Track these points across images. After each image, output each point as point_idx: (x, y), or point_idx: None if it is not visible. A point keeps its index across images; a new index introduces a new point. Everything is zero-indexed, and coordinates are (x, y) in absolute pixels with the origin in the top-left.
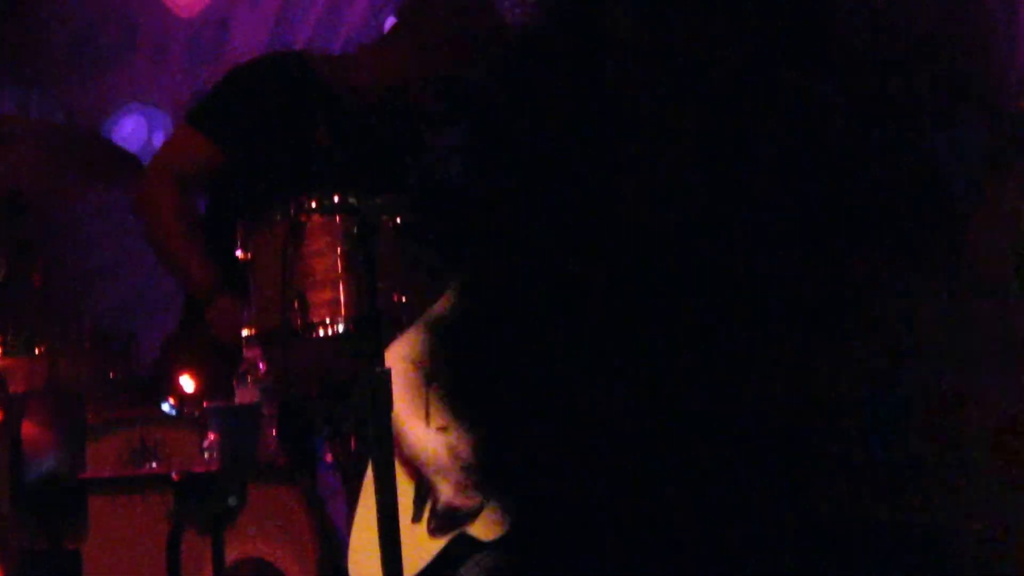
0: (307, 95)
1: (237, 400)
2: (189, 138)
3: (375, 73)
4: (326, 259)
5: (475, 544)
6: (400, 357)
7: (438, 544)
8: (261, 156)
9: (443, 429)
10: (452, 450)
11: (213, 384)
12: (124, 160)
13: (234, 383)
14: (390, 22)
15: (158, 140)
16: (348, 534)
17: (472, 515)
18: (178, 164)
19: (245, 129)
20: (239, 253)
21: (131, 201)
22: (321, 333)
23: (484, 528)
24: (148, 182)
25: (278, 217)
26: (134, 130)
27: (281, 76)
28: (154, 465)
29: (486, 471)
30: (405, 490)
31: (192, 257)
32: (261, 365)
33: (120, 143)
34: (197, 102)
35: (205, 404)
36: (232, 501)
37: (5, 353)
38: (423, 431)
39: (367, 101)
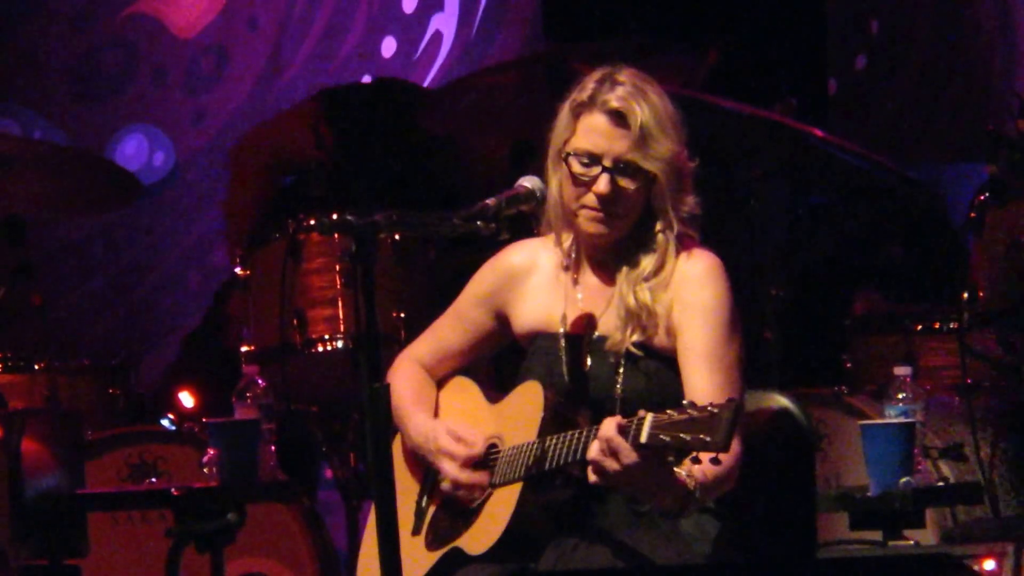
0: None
1: (236, 416)
2: (308, 118)
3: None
4: (324, 277)
5: (466, 558)
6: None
7: (433, 557)
8: (357, 165)
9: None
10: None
11: (214, 399)
12: (124, 181)
13: (233, 399)
14: (387, 43)
15: (158, 160)
16: (347, 550)
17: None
18: (286, 136)
19: (361, 136)
20: (238, 270)
21: (232, 147)
22: (320, 349)
23: (474, 542)
24: (250, 140)
25: (277, 236)
26: (136, 150)
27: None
28: (153, 481)
29: None
30: (406, 504)
31: (232, 236)
32: (260, 381)
33: (122, 163)
34: (333, 88)
35: (205, 420)
36: (231, 517)
37: (5, 370)
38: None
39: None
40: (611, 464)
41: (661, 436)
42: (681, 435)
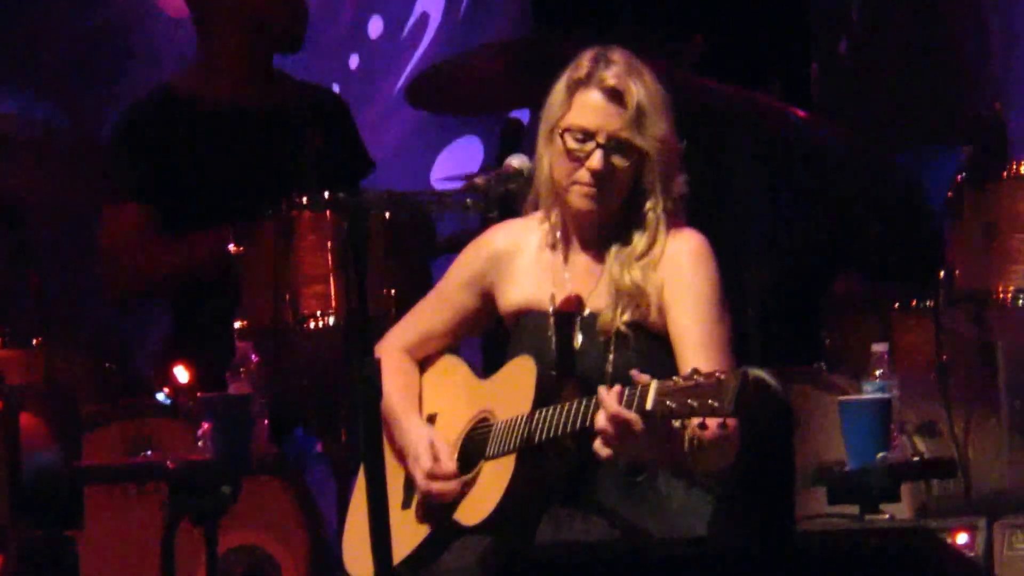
0: (184, 117)
1: (230, 391)
2: (116, 213)
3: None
4: (316, 254)
5: (460, 529)
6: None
7: (426, 529)
8: (181, 189)
9: (431, 418)
10: (429, 441)
11: (207, 376)
12: None
13: (227, 375)
14: (374, 23)
15: None
16: (338, 523)
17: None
18: (121, 242)
19: (156, 175)
20: (231, 247)
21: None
22: (312, 326)
23: (468, 514)
24: (105, 274)
25: (269, 214)
26: None
27: (151, 116)
28: (148, 455)
29: None
30: (395, 478)
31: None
32: (254, 357)
33: None
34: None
35: (199, 395)
36: (226, 490)
37: (3, 346)
38: (415, 420)
39: (234, 101)
40: (619, 433)
41: (667, 403)
42: (688, 401)
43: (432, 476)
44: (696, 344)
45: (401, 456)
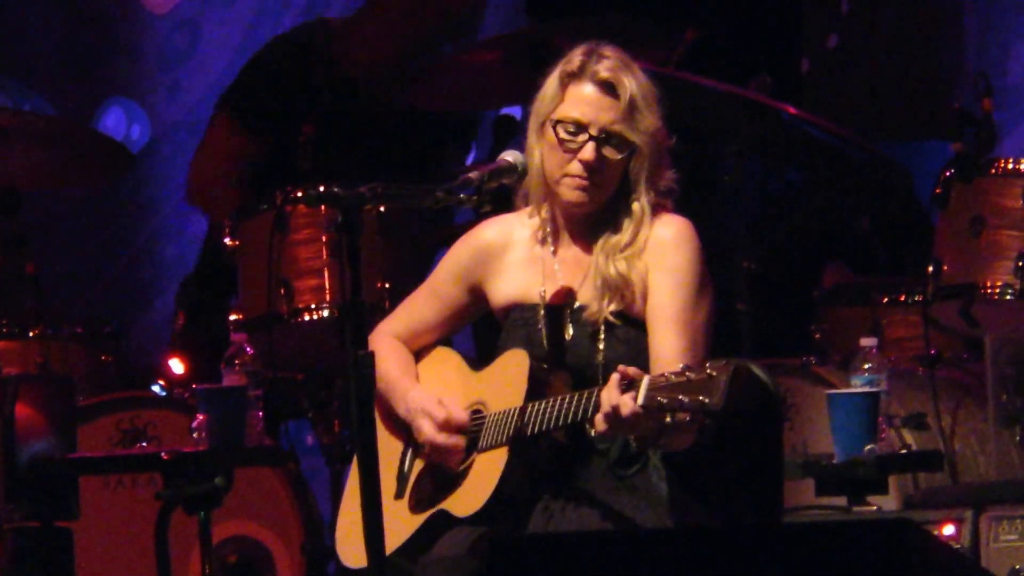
0: (318, 74)
1: (225, 383)
2: (220, 126)
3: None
4: (311, 247)
5: (452, 520)
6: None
7: (418, 519)
8: (288, 134)
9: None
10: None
11: (202, 368)
12: (115, 152)
13: (222, 367)
14: None
15: (135, 132)
16: (332, 513)
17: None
18: (216, 155)
19: (271, 110)
20: (227, 240)
21: (186, 193)
22: (306, 318)
23: (460, 505)
24: (191, 178)
25: (265, 207)
26: (115, 123)
27: (299, 56)
28: (144, 445)
29: None
30: (388, 469)
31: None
32: (248, 349)
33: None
34: (228, 87)
35: (194, 387)
36: (219, 481)
37: (0, 337)
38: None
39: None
40: (613, 425)
41: (658, 398)
42: (679, 396)
43: (444, 426)
44: (667, 320)
45: (399, 433)
